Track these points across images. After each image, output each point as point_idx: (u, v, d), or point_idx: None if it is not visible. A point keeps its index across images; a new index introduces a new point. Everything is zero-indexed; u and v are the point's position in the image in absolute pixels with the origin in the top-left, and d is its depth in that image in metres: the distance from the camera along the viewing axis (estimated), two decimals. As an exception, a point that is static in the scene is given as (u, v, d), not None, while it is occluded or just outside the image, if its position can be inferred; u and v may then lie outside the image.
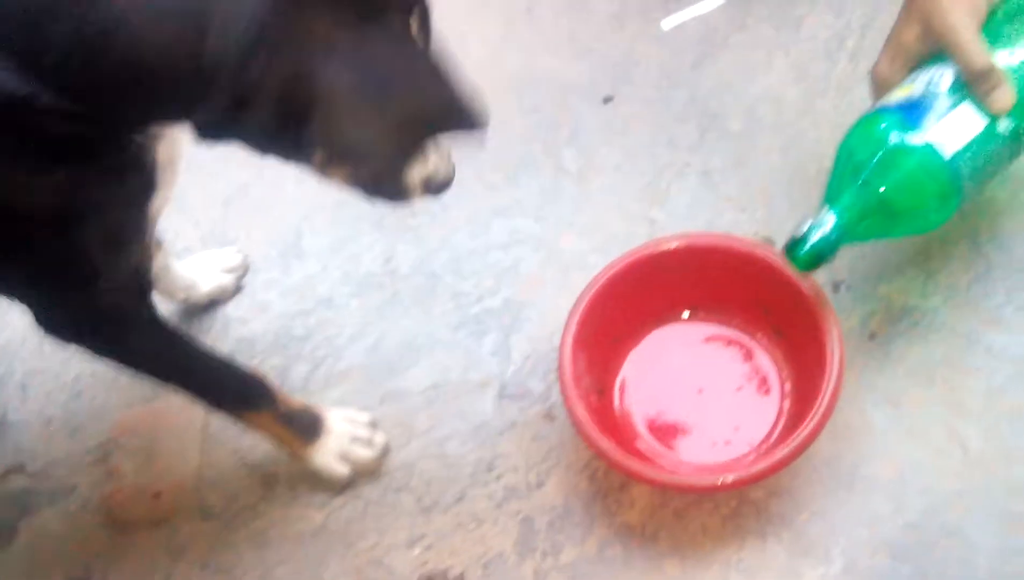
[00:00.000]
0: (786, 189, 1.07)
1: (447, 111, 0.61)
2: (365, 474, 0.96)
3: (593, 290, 0.93)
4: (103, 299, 0.78)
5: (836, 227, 0.83)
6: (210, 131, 0.65)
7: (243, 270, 1.13)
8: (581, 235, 1.09)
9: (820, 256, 0.84)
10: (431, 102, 0.61)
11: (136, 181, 0.72)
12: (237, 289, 1.12)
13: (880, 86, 0.91)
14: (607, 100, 1.19)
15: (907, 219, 0.86)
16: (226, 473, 0.99)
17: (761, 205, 1.07)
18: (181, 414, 1.02)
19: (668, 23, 1.24)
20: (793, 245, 0.84)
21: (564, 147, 1.16)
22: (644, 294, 0.96)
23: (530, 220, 1.11)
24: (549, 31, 1.28)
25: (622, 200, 1.11)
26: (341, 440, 0.95)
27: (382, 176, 0.67)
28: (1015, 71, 0.84)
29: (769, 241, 1.03)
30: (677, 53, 1.22)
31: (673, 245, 0.95)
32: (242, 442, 0.99)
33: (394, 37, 0.61)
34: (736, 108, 1.15)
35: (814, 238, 0.83)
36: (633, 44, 1.24)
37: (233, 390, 0.91)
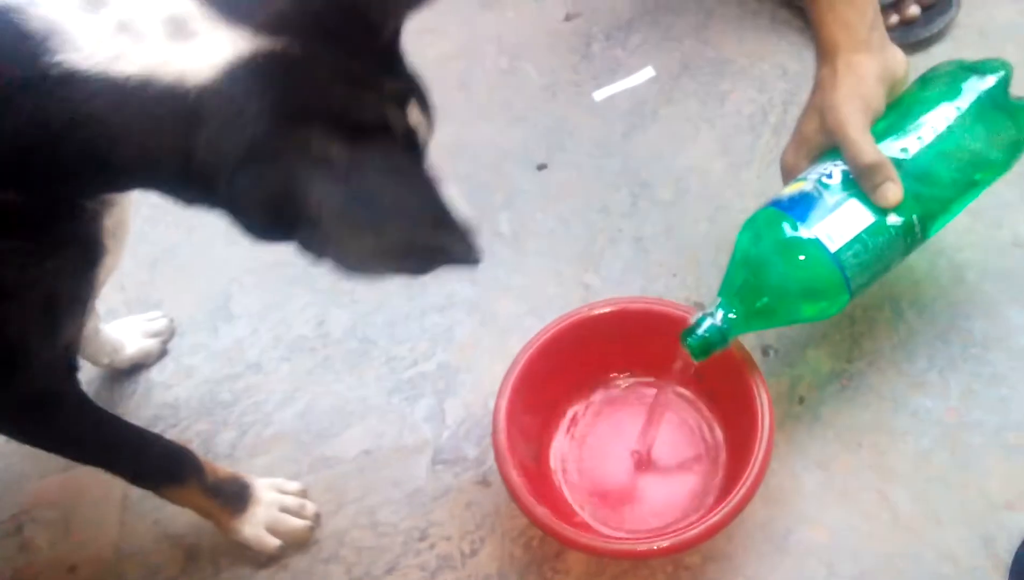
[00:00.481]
0: (714, 256, 1.10)
1: (441, 248, 0.58)
2: (295, 545, 0.93)
3: (528, 354, 0.93)
4: (29, 383, 0.73)
5: (725, 318, 0.84)
6: (183, 201, 0.62)
7: (169, 334, 1.10)
8: (517, 299, 1.09)
9: (710, 345, 0.84)
10: (424, 238, 0.58)
11: (82, 250, 0.69)
12: (162, 353, 1.09)
13: (786, 174, 0.94)
14: (541, 167, 1.21)
15: (795, 311, 0.87)
16: (146, 545, 0.95)
17: (691, 271, 1.09)
18: (99, 484, 0.98)
19: (599, 94, 1.28)
20: (686, 334, 0.85)
21: (500, 211, 1.17)
22: (579, 358, 0.96)
23: (466, 284, 1.11)
24: (483, 101, 1.30)
25: (557, 264, 1.12)
26: (270, 510, 0.92)
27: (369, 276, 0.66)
28: (909, 164, 0.85)
29: (700, 306, 1.05)
30: (608, 123, 1.25)
31: (607, 310, 0.96)
32: (163, 512, 0.95)
33: (390, 158, 0.59)
34: (665, 177, 1.18)
35: (704, 327, 0.84)
36: (566, 113, 1.26)
37: (158, 465, 0.88)
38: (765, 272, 0.85)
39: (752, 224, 0.89)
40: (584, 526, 0.89)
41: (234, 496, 0.91)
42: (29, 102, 0.55)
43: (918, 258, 1.06)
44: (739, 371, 0.90)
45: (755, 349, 1.01)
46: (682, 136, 1.22)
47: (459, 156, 1.22)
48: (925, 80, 0.93)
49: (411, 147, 0.64)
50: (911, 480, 0.93)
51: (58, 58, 0.54)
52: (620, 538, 0.87)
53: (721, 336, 0.84)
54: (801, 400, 0.98)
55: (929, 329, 1.02)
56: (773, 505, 0.92)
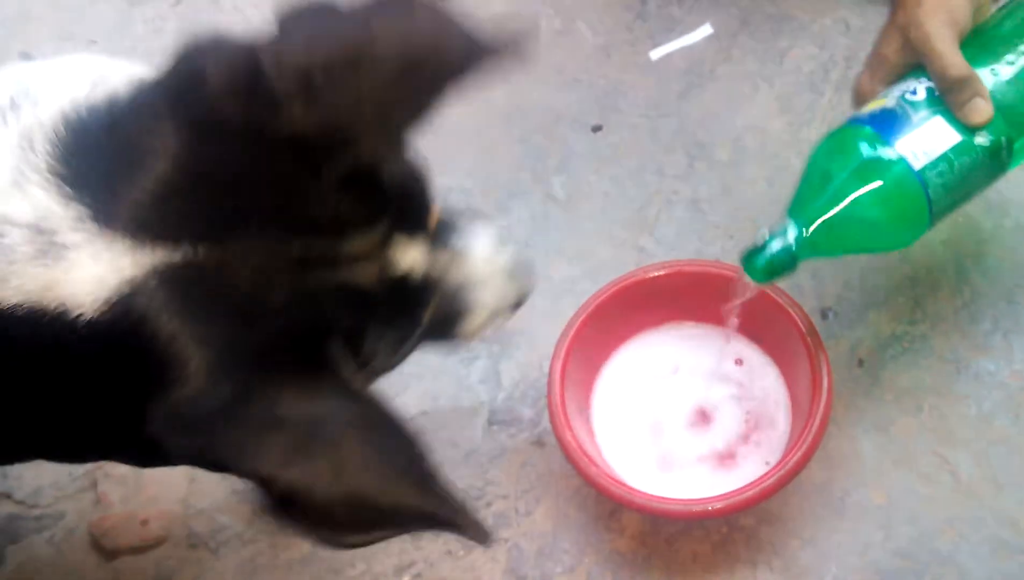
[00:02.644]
0: (773, 218, 1.08)
1: (434, 516, 0.51)
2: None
3: (582, 317, 0.93)
4: None
5: (797, 239, 0.81)
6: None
7: None
8: (570, 262, 1.09)
9: (778, 267, 0.81)
10: (410, 505, 0.49)
11: None
12: None
13: (860, 100, 0.90)
14: (596, 129, 1.20)
15: (873, 235, 0.83)
16: (214, 500, 0.98)
17: (748, 234, 1.07)
18: (169, 441, 1.01)
19: (656, 53, 1.26)
20: (750, 255, 0.82)
21: (553, 175, 1.17)
22: (634, 321, 0.96)
23: (520, 247, 1.11)
24: (538, 62, 1.29)
25: (611, 228, 1.12)
26: None
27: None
28: (999, 88, 0.82)
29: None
30: (664, 83, 1.23)
31: (662, 272, 0.96)
32: (230, 469, 0.98)
33: (357, 403, 0.49)
34: (723, 138, 1.17)
35: (773, 248, 0.81)
36: (621, 74, 1.25)
37: None
38: (841, 191, 0.81)
39: (829, 140, 0.85)
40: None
41: None
42: None
43: (983, 217, 1.04)
44: (797, 334, 0.89)
45: (814, 311, 1.00)
46: (740, 95, 1.21)
47: (512, 120, 1.22)
48: (1012, 9, 0.88)
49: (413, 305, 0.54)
50: (972, 444, 0.91)
51: None
52: (674, 499, 0.87)
53: (790, 258, 0.80)
54: (861, 363, 0.97)
55: (994, 290, 1.00)
56: (830, 468, 0.91)
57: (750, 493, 0.82)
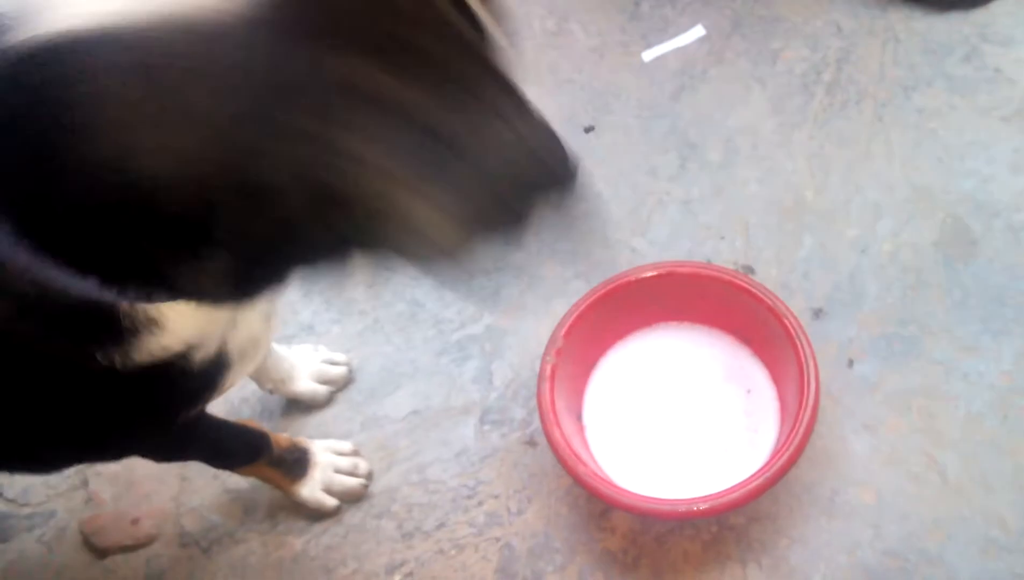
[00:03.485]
0: (763, 219, 1.09)
1: (534, 180, 0.45)
2: (350, 501, 0.96)
3: (573, 316, 0.93)
4: (158, 443, 0.71)
5: None
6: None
7: (344, 384, 1.05)
8: (563, 262, 1.10)
9: None
10: (516, 173, 0.43)
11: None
12: (329, 401, 1.05)
13: None
14: (588, 129, 1.21)
15: None
16: (206, 499, 0.99)
17: (740, 234, 1.09)
18: (161, 440, 1.01)
19: (648, 54, 1.26)
20: None
21: (546, 176, 1.17)
22: (625, 321, 0.96)
23: (512, 247, 1.12)
24: (530, 63, 1.29)
25: (604, 228, 1.12)
26: (326, 471, 0.95)
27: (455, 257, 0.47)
28: None
29: (748, 270, 1.05)
30: (656, 84, 1.23)
31: (654, 273, 0.96)
32: (222, 468, 0.98)
33: (455, 70, 0.42)
34: (715, 139, 1.17)
35: None
36: (613, 74, 1.25)
37: (242, 453, 0.90)
38: None
39: None
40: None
41: (295, 463, 0.94)
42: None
43: (973, 219, 1.05)
44: (786, 334, 0.89)
45: (804, 311, 1.00)
46: (732, 97, 1.21)
47: (507, 119, 1.22)
48: None
49: (473, 43, 0.45)
50: (961, 444, 0.92)
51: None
52: (662, 499, 0.88)
53: None
54: (851, 363, 0.98)
55: (984, 292, 1.00)
56: (820, 467, 0.92)
57: (738, 493, 0.82)
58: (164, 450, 0.81)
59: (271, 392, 1.02)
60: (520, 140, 0.43)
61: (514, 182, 0.43)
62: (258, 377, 0.99)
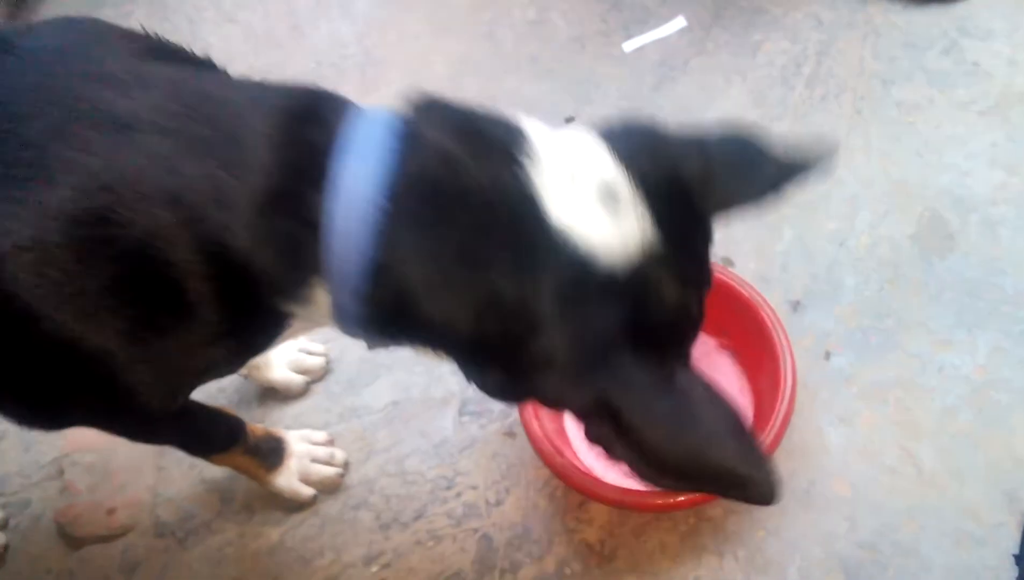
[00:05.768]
0: (743, 212, 1.09)
1: (743, 483, 0.54)
2: (326, 491, 0.96)
3: (554, 308, 0.93)
4: (153, 415, 0.72)
5: None
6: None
7: (320, 374, 1.05)
8: (543, 254, 1.09)
9: None
10: (733, 466, 0.54)
11: (256, 340, 0.65)
12: (304, 392, 1.05)
13: None
14: (569, 120, 1.20)
15: None
16: (182, 489, 0.98)
17: (719, 227, 1.08)
18: (137, 430, 1.01)
19: (629, 45, 1.26)
20: None
21: (527, 166, 1.17)
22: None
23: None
24: (510, 52, 1.29)
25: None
26: (302, 461, 0.94)
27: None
28: None
29: (728, 262, 1.05)
30: (637, 75, 1.23)
31: (633, 264, 0.96)
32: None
33: (692, 374, 0.57)
34: (696, 130, 1.17)
35: None
36: (594, 65, 1.25)
37: (218, 441, 0.89)
38: None
39: None
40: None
41: (271, 452, 0.93)
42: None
43: (950, 213, 1.05)
44: (763, 327, 0.90)
45: (782, 304, 1.01)
46: (713, 88, 1.21)
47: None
48: None
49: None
50: (936, 437, 0.93)
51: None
52: (639, 491, 0.88)
53: None
54: (827, 355, 0.98)
55: (960, 285, 1.01)
56: (796, 459, 0.92)
57: (717, 484, 0.83)
58: (142, 429, 0.80)
59: (245, 377, 1.02)
60: (738, 438, 0.54)
61: (728, 468, 0.54)
62: None
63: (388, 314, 0.57)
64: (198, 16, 1.41)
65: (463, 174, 0.53)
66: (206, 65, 0.63)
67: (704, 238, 0.61)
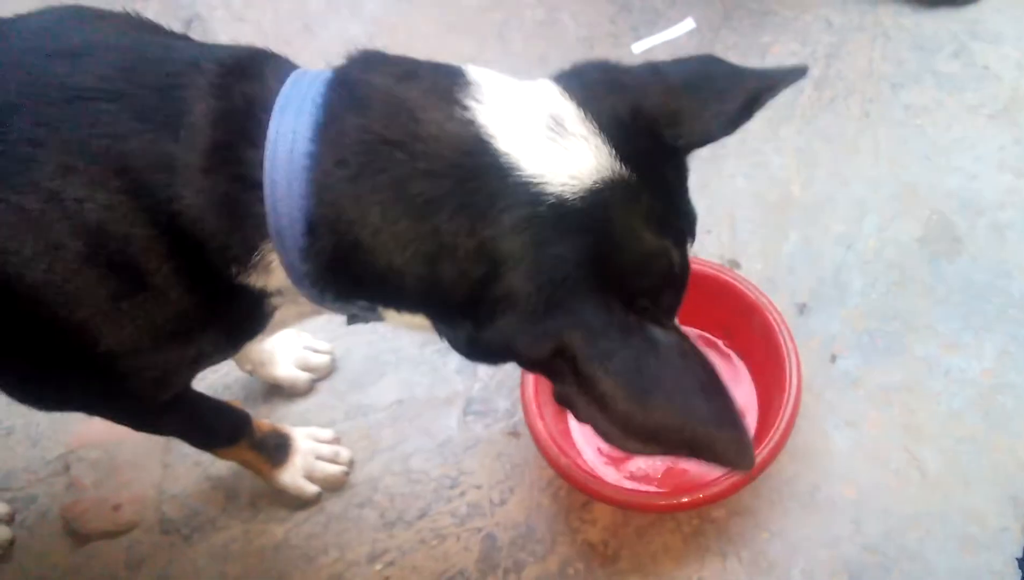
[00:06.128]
0: (749, 213, 1.09)
1: (712, 446, 0.51)
2: (331, 489, 0.96)
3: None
4: (152, 404, 0.71)
5: None
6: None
7: (326, 372, 1.05)
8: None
9: None
10: (699, 430, 0.51)
11: (248, 325, 0.66)
12: (309, 390, 1.05)
13: None
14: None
15: None
16: (188, 486, 0.98)
17: (726, 228, 1.09)
18: (143, 427, 1.01)
19: (638, 47, 1.26)
20: None
21: (534, 167, 1.17)
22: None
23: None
24: (519, 52, 1.29)
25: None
26: (307, 458, 0.95)
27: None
28: None
29: (734, 264, 1.05)
30: (647, 77, 1.23)
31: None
32: (204, 455, 0.97)
33: (669, 331, 0.54)
34: (704, 132, 1.17)
35: None
36: (604, 67, 1.25)
37: (224, 433, 0.89)
38: None
39: None
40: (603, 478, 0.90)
41: (276, 448, 0.94)
42: None
43: (958, 216, 1.05)
44: (768, 329, 0.90)
45: (789, 307, 1.01)
46: (721, 90, 1.21)
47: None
48: None
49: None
50: (941, 440, 0.92)
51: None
52: (643, 491, 0.88)
53: None
54: (833, 358, 0.98)
55: (967, 289, 1.01)
56: (801, 462, 0.92)
57: (719, 487, 0.83)
58: (145, 418, 0.80)
59: (250, 373, 1.02)
60: (709, 400, 0.51)
61: (694, 431, 0.51)
62: (237, 357, 0.99)
63: (337, 269, 0.55)
64: (209, 15, 1.41)
65: (404, 119, 0.53)
66: (174, 36, 0.62)
67: (678, 175, 0.59)
